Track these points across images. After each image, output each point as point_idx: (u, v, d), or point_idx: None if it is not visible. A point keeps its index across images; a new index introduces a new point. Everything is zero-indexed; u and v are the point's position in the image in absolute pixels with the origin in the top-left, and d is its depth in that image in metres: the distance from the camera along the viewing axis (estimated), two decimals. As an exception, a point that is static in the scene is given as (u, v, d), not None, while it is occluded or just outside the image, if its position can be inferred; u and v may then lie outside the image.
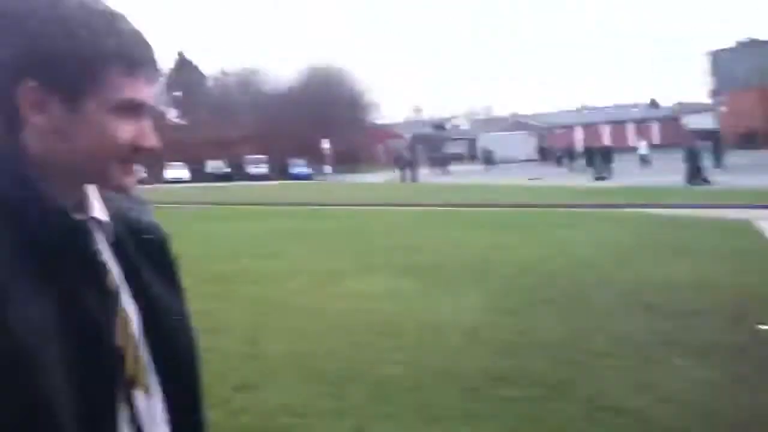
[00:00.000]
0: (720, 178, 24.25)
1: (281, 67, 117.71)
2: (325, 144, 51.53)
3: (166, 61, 74.17)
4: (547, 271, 8.95)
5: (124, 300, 0.93)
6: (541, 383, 4.75)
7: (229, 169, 51.65)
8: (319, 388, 4.72)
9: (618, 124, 66.56)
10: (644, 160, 32.46)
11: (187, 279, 1.05)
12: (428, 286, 8.29)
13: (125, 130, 0.88)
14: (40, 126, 0.85)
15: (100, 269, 0.90)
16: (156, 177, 49.03)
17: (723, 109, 54.80)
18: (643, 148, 33.21)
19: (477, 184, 30.84)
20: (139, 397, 0.92)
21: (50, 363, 0.81)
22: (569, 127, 65.54)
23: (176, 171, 48.00)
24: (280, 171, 51.95)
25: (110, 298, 0.90)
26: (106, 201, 0.95)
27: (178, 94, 74.69)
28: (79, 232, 0.88)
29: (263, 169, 52.48)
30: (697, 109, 75.67)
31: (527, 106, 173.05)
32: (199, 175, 49.50)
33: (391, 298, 7.62)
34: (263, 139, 56.39)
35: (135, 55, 0.87)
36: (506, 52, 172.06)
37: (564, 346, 5.67)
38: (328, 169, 51.51)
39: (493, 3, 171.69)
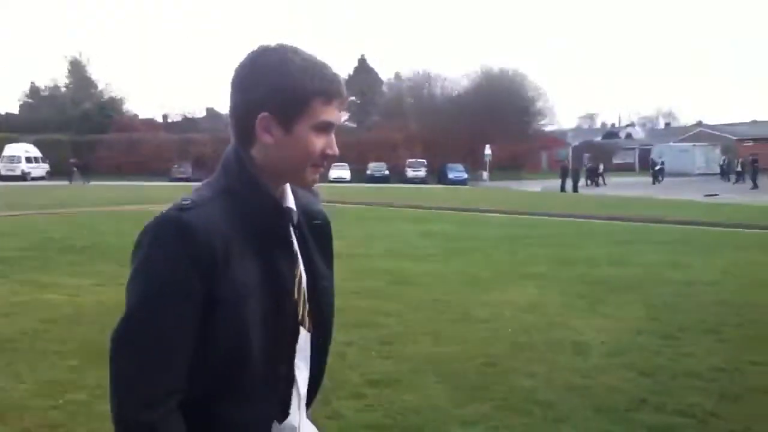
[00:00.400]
0: None
1: (456, 72, 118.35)
2: (487, 150, 51.18)
3: (347, 65, 78.02)
4: (715, 295, 8.36)
5: (299, 264, 1.31)
6: (685, 413, 4.52)
7: (387, 172, 53.01)
8: (453, 393, 4.84)
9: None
10: None
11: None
12: (579, 299, 8.09)
13: (319, 143, 1.27)
14: (265, 143, 1.26)
15: (290, 241, 1.30)
16: (321, 176, 51.62)
17: None
18: None
19: (645, 198, 29.11)
20: (302, 334, 1.31)
21: (252, 308, 1.19)
22: (763, 140, 59.47)
23: (339, 171, 50.29)
24: (438, 175, 52.47)
25: (294, 262, 1.29)
26: (293, 193, 1.35)
27: (353, 98, 78.28)
28: (283, 215, 1.29)
29: (421, 172, 53.28)
30: None
31: (716, 116, 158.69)
32: (359, 176, 51.46)
33: (538, 310, 7.54)
34: (427, 143, 57.26)
35: (331, 90, 1.26)
36: (693, 52, 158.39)
37: (719, 377, 5.31)
38: (485, 175, 51.16)
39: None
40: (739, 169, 43.31)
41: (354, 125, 74.17)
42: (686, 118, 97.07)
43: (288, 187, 1.33)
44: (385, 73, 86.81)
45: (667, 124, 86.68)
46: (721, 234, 15.49)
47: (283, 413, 1.28)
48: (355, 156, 51.13)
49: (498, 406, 4.58)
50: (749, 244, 13.48)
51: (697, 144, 61.00)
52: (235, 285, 1.18)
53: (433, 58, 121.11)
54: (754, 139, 60.33)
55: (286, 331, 1.26)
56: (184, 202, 1.21)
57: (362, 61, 78.63)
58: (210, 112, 75.92)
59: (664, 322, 7.00)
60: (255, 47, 1.31)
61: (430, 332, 6.55)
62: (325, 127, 1.27)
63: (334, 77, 1.28)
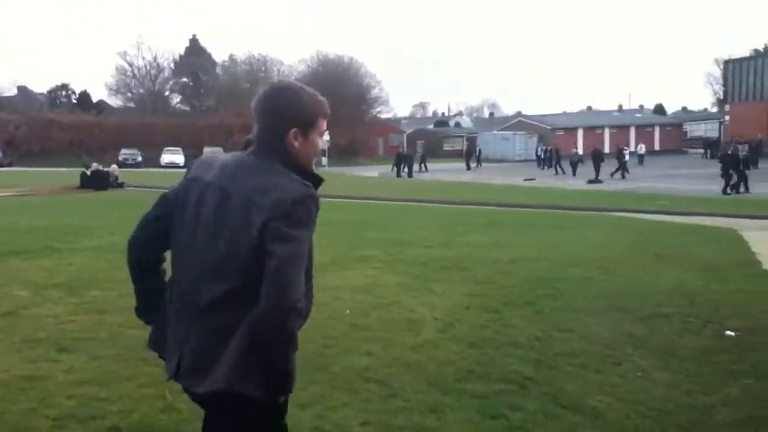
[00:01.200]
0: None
1: (291, 57, 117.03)
2: (326, 136, 51.48)
3: (177, 45, 74.03)
4: (535, 271, 9.11)
5: None
6: (507, 380, 4.90)
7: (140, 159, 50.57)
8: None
9: (621, 129, 66.52)
10: (636, 163, 32.41)
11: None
12: (411, 280, 8.45)
13: (320, 143, 2.24)
14: (294, 147, 2.16)
15: None
16: (154, 161, 49.18)
17: (727, 118, 54.83)
18: (640, 149, 33.34)
19: (472, 183, 30.97)
20: None
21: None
22: (572, 130, 65.46)
23: (172, 156, 48.10)
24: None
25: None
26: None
27: (185, 80, 74.77)
28: (321, 181, 2.22)
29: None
30: (702, 117, 75.72)
31: (533, 107, 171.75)
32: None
33: (375, 291, 7.77)
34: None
35: (324, 110, 2.21)
36: (515, 50, 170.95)
37: (535, 345, 5.82)
38: (324, 160, 51.63)
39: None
40: (542, 155, 46.56)
41: (187, 108, 71.05)
42: (508, 108, 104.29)
43: None
44: (219, 56, 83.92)
45: (491, 114, 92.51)
46: (539, 215, 16.91)
47: None
48: (189, 140, 49.06)
49: (334, 386, 4.67)
50: (564, 224, 14.84)
51: (517, 132, 65.81)
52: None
53: (268, 43, 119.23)
54: (565, 129, 66.27)
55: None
56: (306, 184, 2.10)
57: (194, 41, 75.43)
58: (22, 90, 69.08)
59: (490, 298, 7.52)
60: (272, 84, 2.26)
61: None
62: (322, 133, 2.23)
63: (324, 101, 2.22)
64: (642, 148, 42.71)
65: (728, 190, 22.58)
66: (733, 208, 17.04)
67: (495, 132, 68.46)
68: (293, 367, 2.11)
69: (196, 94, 73.79)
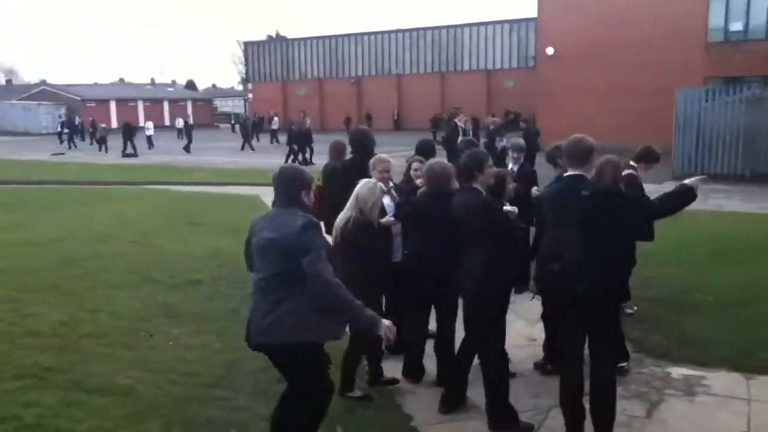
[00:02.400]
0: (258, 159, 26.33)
1: None
2: None
3: None
4: (61, 251, 8.29)
5: None
6: (23, 375, 4.33)
7: None
8: None
9: (155, 102, 66.30)
10: (150, 141, 32.27)
11: None
12: None
13: None
14: None
15: None
16: None
17: (251, 95, 59.68)
18: (150, 128, 33.21)
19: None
20: None
21: None
22: (104, 102, 62.39)
23: None
24: None
25: None
26: None
27: None
28: None
29: None
30: (230, 94, 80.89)
31: (60, 77, 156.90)
32: None
33: None
34: None
35: None
36: (34, 13, 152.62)
37: (60, 331, 5.30)
38: None
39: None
40: (61, 128, 42.59)
41: None
42: (31, 76, 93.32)
43: None
44: None
45: (9, 81, 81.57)
46: (69, 191, 15.56)
47: None
48: None
49: None
50: (96, 200, 13.93)
51: (42, 103, 59.49)
52: None
53: None
54: (97, 100, 62.77)
55: None
56: None
57: None
58: None
59: (7, 287, 6.60)
60: None
61: None
62: None
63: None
64: (180, 122, 43.37)
65: (290, 161, 24.92)
66: (256, 177, 18.60)
67: (14, 101, 60.53)
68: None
69: None
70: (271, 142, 33.62)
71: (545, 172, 5.38)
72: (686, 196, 3.77)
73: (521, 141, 6.90)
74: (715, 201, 12.06)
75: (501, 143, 12.12)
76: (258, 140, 33.34)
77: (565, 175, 3.83)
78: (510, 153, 6.66)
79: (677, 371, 4.57)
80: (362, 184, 4.17)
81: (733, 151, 16.04)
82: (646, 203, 3.88)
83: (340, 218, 4.21)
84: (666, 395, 4.25)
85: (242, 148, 29.11)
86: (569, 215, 3.62)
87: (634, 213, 3.63)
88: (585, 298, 3.50)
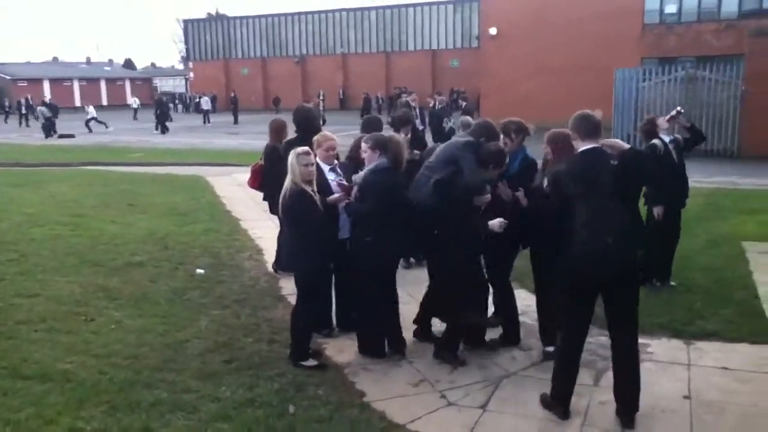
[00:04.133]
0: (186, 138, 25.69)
1: None
2: None
3: None
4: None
5: None
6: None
7: None
8: None
9: (91, 82, 63.86)
10: (91, 123, 30.99)
11: None
12: None
13: None
14: None
15: None
16: None
17: (192, 74, 58.09)
18: (91, 111, 31.90)
19: None
20: None
21: None
22: (37, 81, 59.73)
23: None
24: None
25: None
26: None
27: None
28: None
29: None
30: (170, 73, 78.54)
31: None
32: None
33: None
34: None
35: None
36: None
37: (-7, 317, 5.06)
38: None
39: None
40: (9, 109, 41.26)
41: None
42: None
43: None
44: None
45: (-69, 59, 77.16)
46: (-2, 174, 14.85)
47: None
48: None
49: None
50: (29, 181, 13.31)
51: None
52: None
53: None
54: (29, 80, 60.09)
55: None
56: None
57: None
58: None
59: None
60: None
61: None
62: None
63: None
64: (136, 102, 42.06)
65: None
66: (196, 157, 18.15)
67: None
68: None
69: None
70: (204, 123, 32.91)
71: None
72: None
73: (469, 119, 6.91)
74: (653, 177, 12.41)
75: (449, 124, 12.18)
76: (209, 121, 32.75)
77: (581, 150, 3.64)
78: (459, 131, 6.65)
79: (621, 340, 4.70)
80: (291, 153, 4.24)
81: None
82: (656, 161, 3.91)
83: (282, 191, 4.20)
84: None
85: (156, 129, 28.00)
86: (602, 185, 3.53)
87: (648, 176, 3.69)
88: (626, 271, 3.50)
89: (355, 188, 4.37)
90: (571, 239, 3.56)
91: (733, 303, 5.45)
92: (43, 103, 29.06)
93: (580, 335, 3.74)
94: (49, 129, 26.70)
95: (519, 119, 4.65)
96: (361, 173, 4.41)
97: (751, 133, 15.65)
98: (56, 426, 3.44)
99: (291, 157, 4.21)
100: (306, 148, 4.33)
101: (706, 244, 7.46)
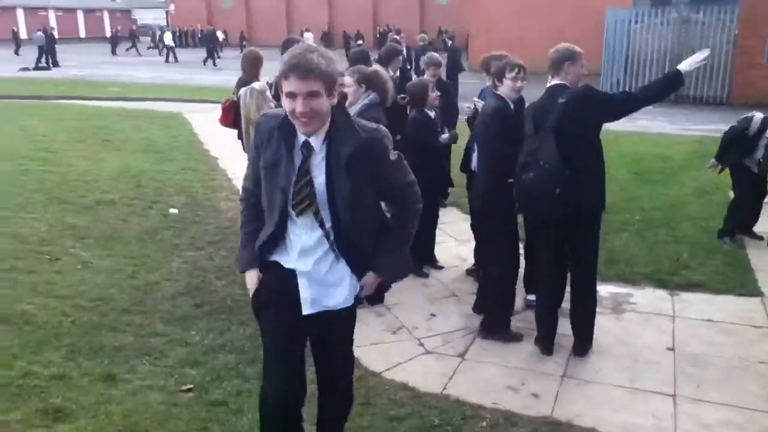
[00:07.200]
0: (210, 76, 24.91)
1: None
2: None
3: None
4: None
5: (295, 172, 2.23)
6: None
7: None
8: None
9: (69, 12, 61.63)
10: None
11: None
12: None
13: (288, 105, 2.11)
14: None
15: (292, 156, 2.23)
16: None
17: (172, 7, 56.26)
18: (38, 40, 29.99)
19: None
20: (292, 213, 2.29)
21: (281, 170, 2.23)
22: (10, 9, 57.51)
23: None
24: None
25: (291, 170, 2.22)
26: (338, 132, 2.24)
27: None
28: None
29: None
30: (150, 5, 76.04)
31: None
32: None
33: None
34: None
35: (285, 70, 2.07)
36: None
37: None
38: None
39: None
40: None
41: None
42: None
43: (325, 129, 2.20)
44: None
45: None
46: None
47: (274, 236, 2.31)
48: None
49: None
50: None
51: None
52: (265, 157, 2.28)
53: None
54: (2, 8, 57.85)
55: (278, 201, 2.25)
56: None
57: None
58: None
59: None
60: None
61: None
62: (288, 95, 2.09)
63: (289, 61, 2.06)
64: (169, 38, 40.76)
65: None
66: (184, 93, 17.60)
67: None
68: None
69: None
70: (166, 61, 30.78)
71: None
72: (674, 82, 3.52)
73: (435, 55, 6.53)
74: (642, 123, 12.21)
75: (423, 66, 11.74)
76: (176, 59, 31.62)
77: (548, 85, 3.59)
78: (426, 69, 6.31)
79: (605, 289, 4.56)
80: (242, 91, 3.98)
81: (660, 73, 16.14)
82: (625, 96, 3.67)
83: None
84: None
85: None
86: (547, 123, 3.44)
87: (609, 112, 3.50)
88: (564, 213, 3.43)
89: None
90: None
91: (720, 253, 5.34)
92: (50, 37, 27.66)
93: (551, 277, 3.72)
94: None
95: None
96: (353, 109, 4.03)
97: (742, 79, 15.38)
98: (9, 370, 3.25)
99: (245, 96, 3.95)
100: (265, 88, 4.05)
101: (693, 192, 7.33)
